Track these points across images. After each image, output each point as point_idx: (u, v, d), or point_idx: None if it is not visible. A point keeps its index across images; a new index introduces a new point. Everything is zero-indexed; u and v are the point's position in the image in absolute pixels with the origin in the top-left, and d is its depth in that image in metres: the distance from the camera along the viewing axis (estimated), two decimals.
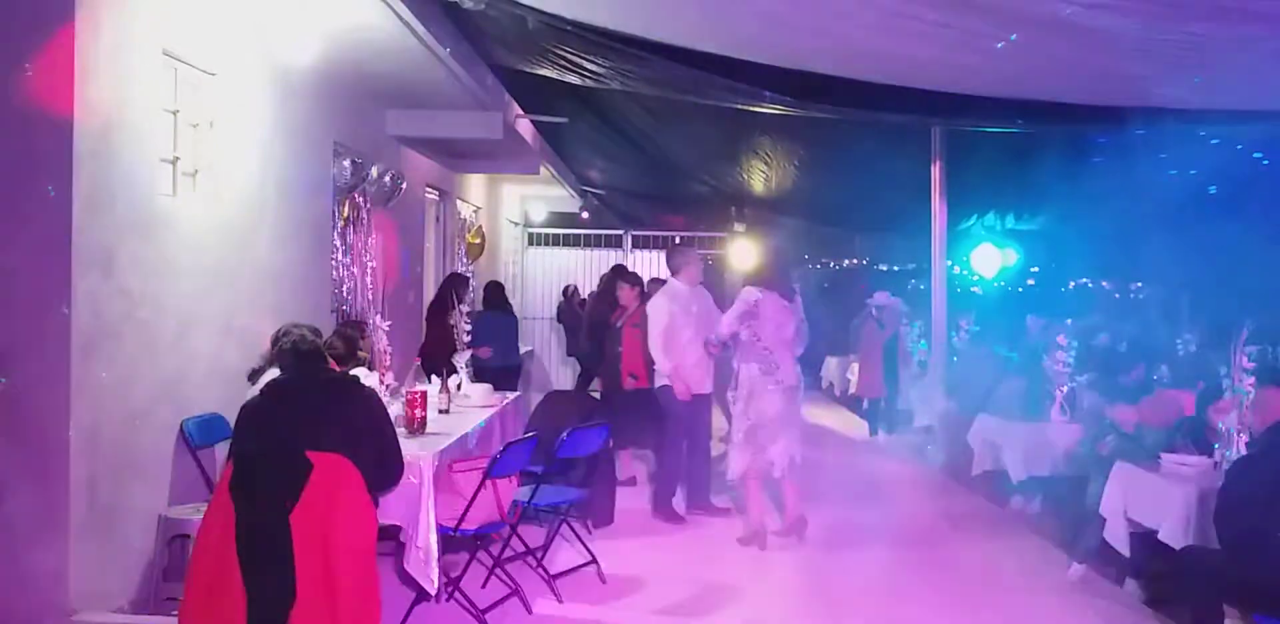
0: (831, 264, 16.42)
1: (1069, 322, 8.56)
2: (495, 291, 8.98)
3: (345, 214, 7.20)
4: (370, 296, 7.62)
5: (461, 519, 4.33)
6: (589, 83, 7.22)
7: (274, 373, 4.14)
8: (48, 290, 3.87)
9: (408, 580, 4.31)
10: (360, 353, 5.51)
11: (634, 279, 7.54)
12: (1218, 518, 3.94)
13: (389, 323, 5.96)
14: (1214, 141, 9.04)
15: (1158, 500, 4.81)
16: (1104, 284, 16.58)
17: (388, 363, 5.48)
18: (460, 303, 7.62)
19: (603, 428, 5.24)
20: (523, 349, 10.25)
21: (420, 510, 4.18)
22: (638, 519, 6.39)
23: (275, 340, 4.37)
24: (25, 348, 3.88)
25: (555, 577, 5.01)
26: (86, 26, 3.93)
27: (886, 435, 10.14)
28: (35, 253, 3.89)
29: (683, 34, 6.08)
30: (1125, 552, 5.20)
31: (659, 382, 6.57)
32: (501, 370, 8.14)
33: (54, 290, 3.87)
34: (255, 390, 4.12)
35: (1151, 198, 10.30)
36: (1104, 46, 5.33)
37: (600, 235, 15.68)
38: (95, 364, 4.02)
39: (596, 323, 8.08)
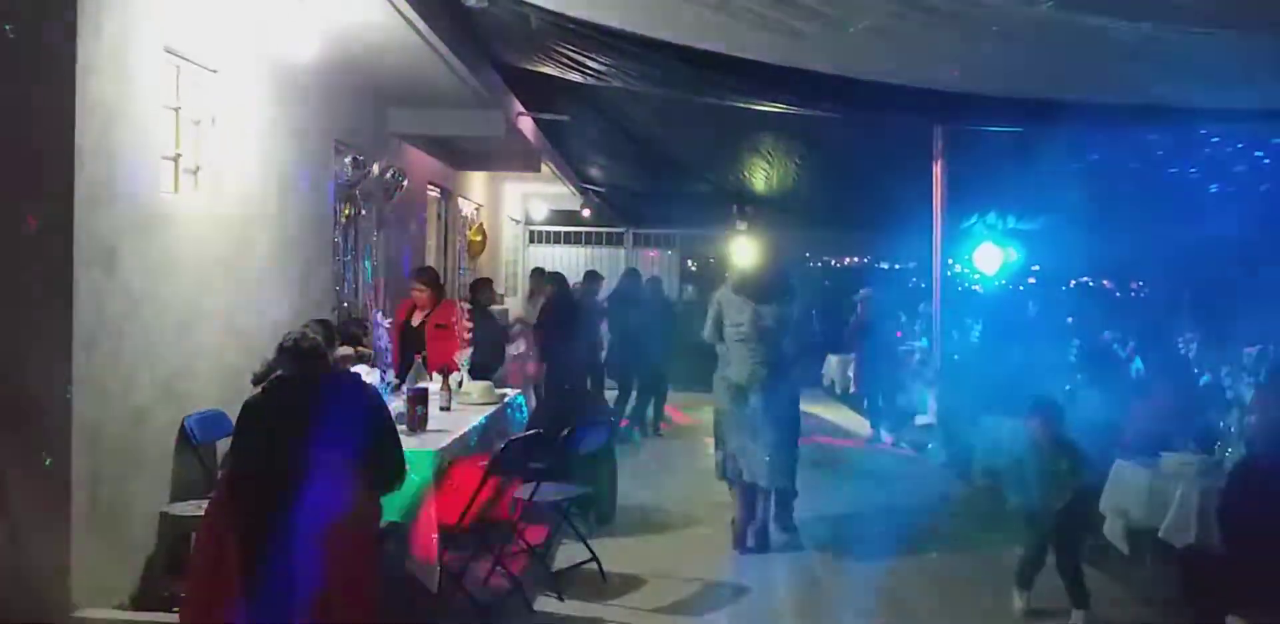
0: (833, 262, 16.42)
1: (1070, 320, 8.56)
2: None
3: (346, 211, 7.21)
4: (372, 294, 7.63)
5: (463, 516, 4.33)
6: (591, 81, 7.21)
7: None
8: (50, 287, 3.88)
9: (409, 578, 4.31)
10: (360, 348, 5.52)
11: (428, 276, 7.16)
12: (1221, 518, 3.94)
13: (390, 320, 5.97)
14: (1214, 139, 9.04)
15: (1159, 499, 4.81)
16: (1105, 283, 16.56)
17: (389, 360, 5.48)
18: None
19: (606, 425, 5.25)
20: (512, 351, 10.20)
21: (421, 507, 4.18)
22: (639, 517, 6.39)
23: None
24: (27, 345, 3.89)
25: (556, 574, 5.01)
26: (88, 23, 3.92)
27: (889, 434, 10.14)
28: (37, 250, 3.89)
29: (685, 32, 6.08)
30: (1125, 549, 5.21)
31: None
32: None
33: (56, 287, 3.87)
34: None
35: (1152, 197, 10.30)
36: (1105, 46, 5.33)
37: (601, 233, 15.69)
38: (97, 361, 4.02)
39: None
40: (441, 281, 7.76)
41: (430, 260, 9.84)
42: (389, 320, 6.08)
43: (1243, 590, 3.74)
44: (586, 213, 14.79)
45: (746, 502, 5.83)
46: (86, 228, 3.94)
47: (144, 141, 4.35)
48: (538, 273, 10.21)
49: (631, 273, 10.52)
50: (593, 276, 10.23)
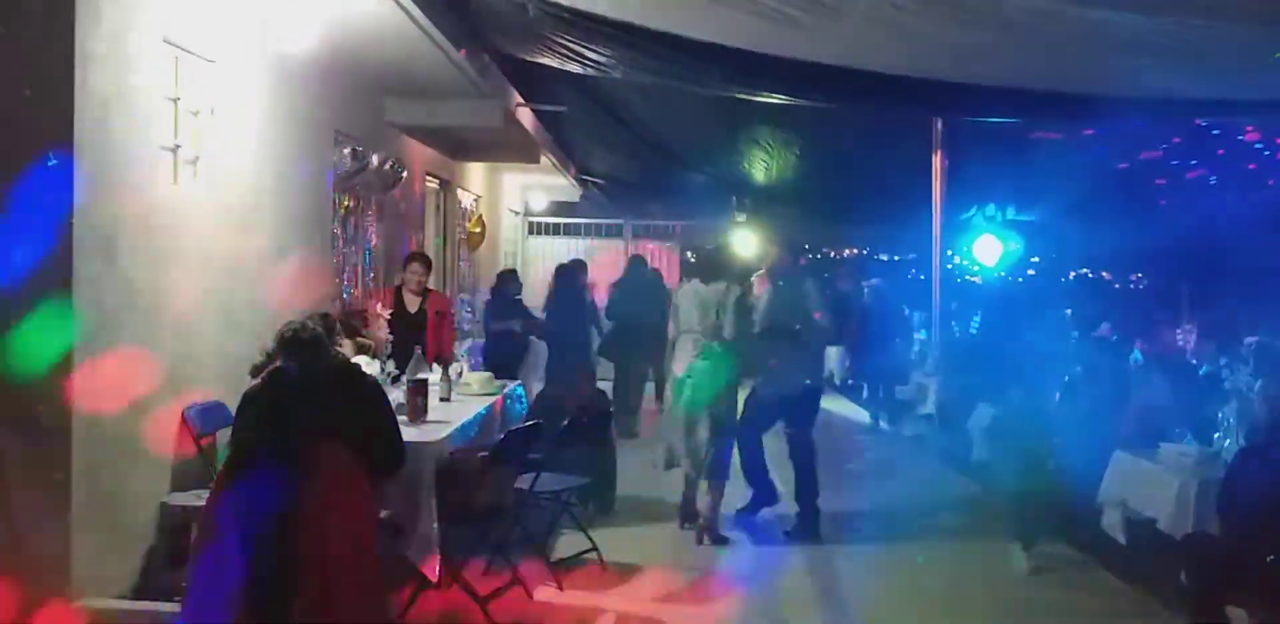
0: (832, 254, 16.44)
1: (1069, 312, 8.58)
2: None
3: (345, 202, 7.19)
4: (371, 285, 7.62)
5: (462, 506, 4.34)
6: (589, 71, 7.20)
7: None
8: (49, 277, 3.87)
9: (409, 567, 4.32)
10: (360, 338, 5.52)
11: (426, 260, 7.04)
12: (1221, 506, 3.95)
13: (390, 311, 5.97)
14: (1215, 132, 9.04)
15: (1157, 490, 4.83)
16: (1104, 274, 16.59)
17: (389, 351, 5.48)
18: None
19: (605, 416, 5.26)
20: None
21: (421, 497, 4.19)
22: (638, 507, 6.39)
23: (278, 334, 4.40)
24: (27, 335, 3.88)
25: (556, 564, 5.02)
26: (87, 13, 3.91)
27: (887, 424, 10.17)
28: (36, 240, 3.88)
29: (683, 23, 6.06)
30: (1122, 540, 5.22)
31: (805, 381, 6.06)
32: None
33: (55, 277, 3.87)
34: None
35: (1152, 189, 10.31)
36: (1102, 37, 5.33)
37: (600, 225, 15.66)
38: (97, 351, 4.02)
39: None
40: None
41: (429, 252, 9.82)
42: (389, 311, 6.07)
43: (1242, 580, 3.75)
44: (586, 204, 14.78)
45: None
46: (85, 218, 3.93)
47: (143, 132, 4.34)
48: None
49: (635, 260, 10.36)
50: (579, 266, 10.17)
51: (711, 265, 6.09)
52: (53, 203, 3.86)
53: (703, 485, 5.83)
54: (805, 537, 5.88)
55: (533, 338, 9.22)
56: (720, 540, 5.76)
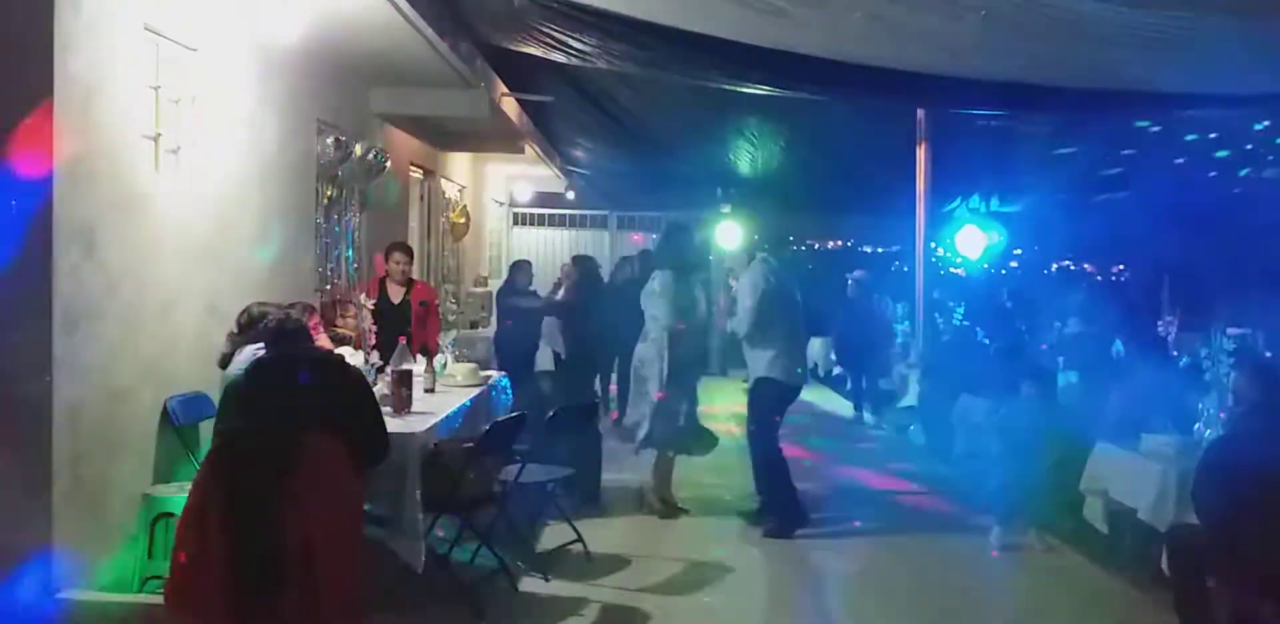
0: (816, 245, 16.48)
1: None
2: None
3: (329, 192, 7.15)
4: (355, 275, 7.59)
5: (447, 497, 4.34)
6: (575, 61, 7.17)
7: (246, 354, 4.14)
8: (29, 267, 3.84)
9: (394, 558, 4.31)
10: (341, 329, 5.50)
11: (408, 249, 7.01)
12: (1196, 497, 3.98)
13: (373, 302, 5.95)
14: (1196, 126, 9.10)
15: (1138, 480, 4.86)
16: (1086, 267, 16.68)
17: (373, 342, 5.46)
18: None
19: (590, 406, 5.26)
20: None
21: (406, 488, 4.18)
22: (623, 497, 6.40)
23: (243, 322, 4.38)
24: (7, 325, 3.85)
25: (542, 555, 5.02)
26: None
27: (871, 415, 10.20)
28: (16, 229, 3.85)
29: (669, 13, 6.05)
30: (1104, 529, 5.26)
31: (758, 373, 5.94)
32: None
33: (35, 267, 3.84)
34: (235, 370, 4.11)
35: (1134, 181, 10.36)
36: (1086, 30, 5.34)
37: (586, 216, 15.64)
38: (78, 342, 3.99)
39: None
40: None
41: (413, 242, 9.78)
42: (372, 301, 6.04)
43: (1222, 568, 3.79)
44: (571, 195, 14.75)
45: None
46: (66, 207, 3.90)
47: (124, 120, 4.31)
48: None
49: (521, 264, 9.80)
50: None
51: (653, 257, 6.32)
52: (33, 192, 3.82)
53: (653, 459, 6.03)
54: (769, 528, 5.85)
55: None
56: (676, 511, 5.93)
